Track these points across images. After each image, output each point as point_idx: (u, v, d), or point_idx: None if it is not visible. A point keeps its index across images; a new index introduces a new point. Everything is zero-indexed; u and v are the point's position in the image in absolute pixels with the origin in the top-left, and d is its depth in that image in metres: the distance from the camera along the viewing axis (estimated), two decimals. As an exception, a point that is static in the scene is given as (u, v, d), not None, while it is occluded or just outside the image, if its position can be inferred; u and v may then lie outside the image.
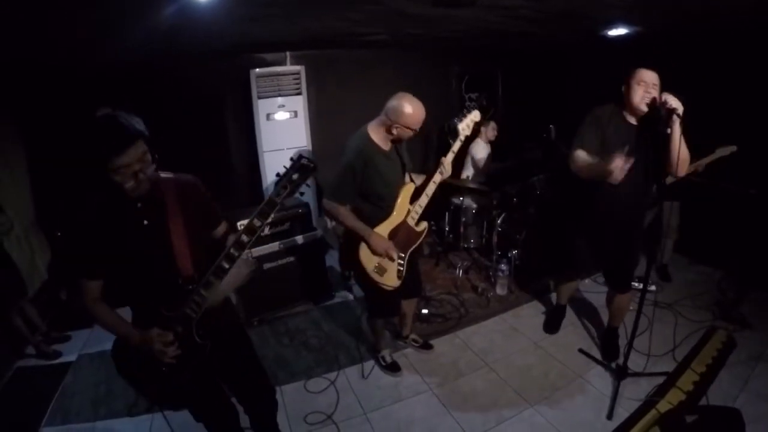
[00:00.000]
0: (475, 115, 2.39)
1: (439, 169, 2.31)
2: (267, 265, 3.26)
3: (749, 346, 2.80)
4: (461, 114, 2.35)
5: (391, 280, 2.36)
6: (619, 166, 2.13)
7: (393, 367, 2.76)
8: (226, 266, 1.39)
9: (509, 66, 5.83)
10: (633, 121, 2.27)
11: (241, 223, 2.95)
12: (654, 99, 2.09)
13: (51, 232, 3.36)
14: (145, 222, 1.41)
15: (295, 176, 1.38)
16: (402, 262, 2.38)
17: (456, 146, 2.37)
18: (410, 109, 2.13)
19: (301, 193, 1.45)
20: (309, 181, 4.78)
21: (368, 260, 2.29)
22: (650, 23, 3.22)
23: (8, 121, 3.28)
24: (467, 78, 5.70)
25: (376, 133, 2.24)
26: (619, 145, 2.18)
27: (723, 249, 3.71)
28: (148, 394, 1.60)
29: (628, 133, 2.25)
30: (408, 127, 2.16)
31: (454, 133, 2.37)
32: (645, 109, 2.14)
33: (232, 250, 1.38)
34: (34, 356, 3.05)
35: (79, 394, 2.68)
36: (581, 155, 2.30)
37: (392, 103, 2.15)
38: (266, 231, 3.23)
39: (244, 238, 1.38)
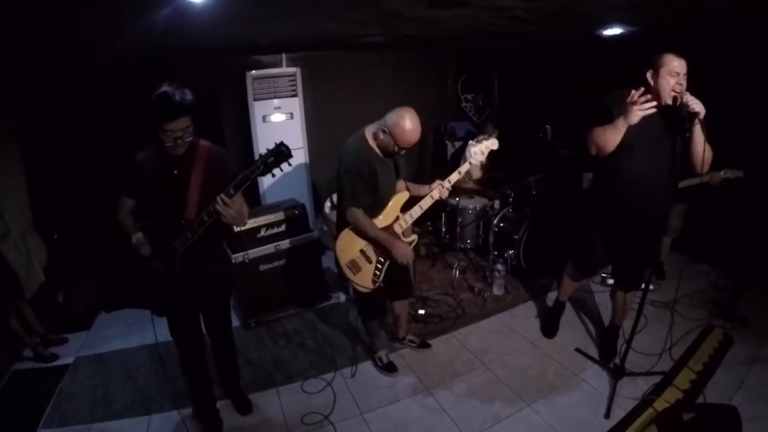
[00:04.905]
0: (492, 143, 2.38)
1: (440, 190, 2.31)
2: (263, 267, 3.26)
3: (746, 344, 2.80)
4: (479, 136, 2.33)
5: (364, 281, 2.35)
6: (637, 103, 1.96)
7: (389, 368, 2.76)
8: (206, 219, 1.78)
9: (506, 66, 5.79)
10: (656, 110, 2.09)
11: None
12: (676, 96, 1.96)
13: (48, 234, 3.35)
14: (175, 171, 1.84)
15: (270, 159, 1.68)
16: (380, 267, 2.36)
17: (464, 168, 2.37)
18: (408, 124, 2.11)
19: (273, 175, 1.74)
20: (304, 182, 4.68)
21: (342, 253, 2.29)
22: (646, 22, 3.22)
23: (5, 122, 3.27)
24: (463, 78, 5.66)
25: (371, 137, 2.25)
26: (644, 132, 2.07)
27: (721, 247, 3.70)
28: (142, 300, 2.20)
29: (654, 122, 2.11)
30: (395, 138, 2.14)
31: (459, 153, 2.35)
32: (670, 102, 2.01)
33: (210, 208, 1.76)
34: (30, 359, 3.03)
35: (76, 397, 2.67)
36: (597, 129, 2.16)
37: (396, 111, 2.15)
38: (262, 233, 3.25)
39: (225, 198, 1.73)
